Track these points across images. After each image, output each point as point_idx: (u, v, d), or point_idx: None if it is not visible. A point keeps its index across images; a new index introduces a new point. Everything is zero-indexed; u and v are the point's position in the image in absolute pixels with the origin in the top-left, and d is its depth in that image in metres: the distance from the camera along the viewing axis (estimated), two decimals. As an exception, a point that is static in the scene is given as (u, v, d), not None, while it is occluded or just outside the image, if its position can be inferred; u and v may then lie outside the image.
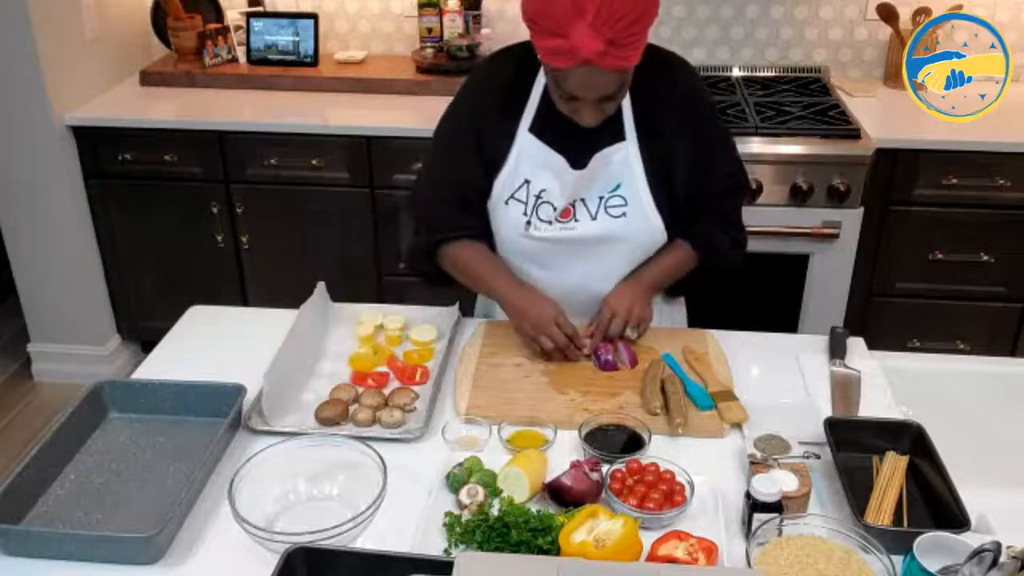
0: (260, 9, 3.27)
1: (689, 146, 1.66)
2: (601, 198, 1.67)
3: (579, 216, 1.67)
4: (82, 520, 1.31)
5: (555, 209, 1.66)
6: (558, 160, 1.64)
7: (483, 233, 1.75)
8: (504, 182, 1.68)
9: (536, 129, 1.65)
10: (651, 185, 1.66)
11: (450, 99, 1.74)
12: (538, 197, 1.67)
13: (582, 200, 1.67)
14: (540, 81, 1.63)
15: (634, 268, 1.75)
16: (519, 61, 1.65)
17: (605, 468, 1.34)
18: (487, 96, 1.68)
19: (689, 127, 1.65)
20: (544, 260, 1.73)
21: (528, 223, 1.68)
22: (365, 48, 3.33)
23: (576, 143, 1.63)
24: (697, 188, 1.69)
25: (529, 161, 1.66)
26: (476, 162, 1.68)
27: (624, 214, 1.67)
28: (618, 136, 1.63)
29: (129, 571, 1.22)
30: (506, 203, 1.68)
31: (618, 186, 1.66)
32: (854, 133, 2.69)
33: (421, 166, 1.83)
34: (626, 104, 1.62)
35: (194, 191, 2.95)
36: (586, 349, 1.66)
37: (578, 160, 1.64)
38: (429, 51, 3.13)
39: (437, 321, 1.78)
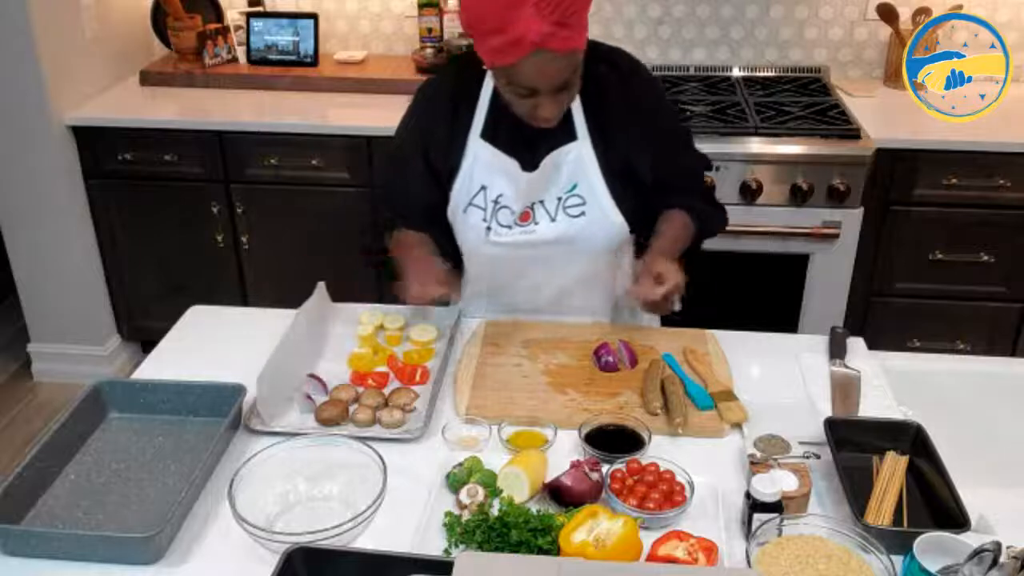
0: (260, 9, 3.27)
1: (642, 138, 1.66)
2: (559, 199, 1.67)
3: (539, 219, 1.68)
4: (82, 520, 1.31)
5: (513, 213, 1.67)
6: (511, 164, 1.65)
7: (428, 228, 1.76)
8: (460, 190, 1.69)
9: (488, 135, 1.65)
10: (608, 182, 1.66)
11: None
12: (495, 202, 1.67)
13: (540, 202, 1.67)
14: (487, 87, 1.64)
15: (601, 273, 1.76)
16: (464, 69, 1.66)
17: (605, 468, 1.34)
18: (436, 106, 1.69)
19: (639, 120, 1.66)
20: (506, 266, 1.73)
21: (488, 228, 1.68)
22: (365, 48, 3.34)
23: (528, 146, 1.64)
24: (663, 180, 1.70)
25: (483, 167, 1.67)
26: (423, 171, 1.71)
27: (583, 213, 1.67)
28: (570, 136, 1.64)
29: (129, 571, 1.22)
30: (464, 211, 1.70)
31: (575, 186, 1.66)
32: (854, 133, 2.69)
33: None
34: (576, 103, 1.62)
35: (194, 191, 2.95)
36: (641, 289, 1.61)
37: (530, 162, 1.64)
38: (429, 51, 3.13)
39: (437, 321, 1.78)
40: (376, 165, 2.84)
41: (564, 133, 1.63)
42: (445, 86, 1.70)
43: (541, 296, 1.74)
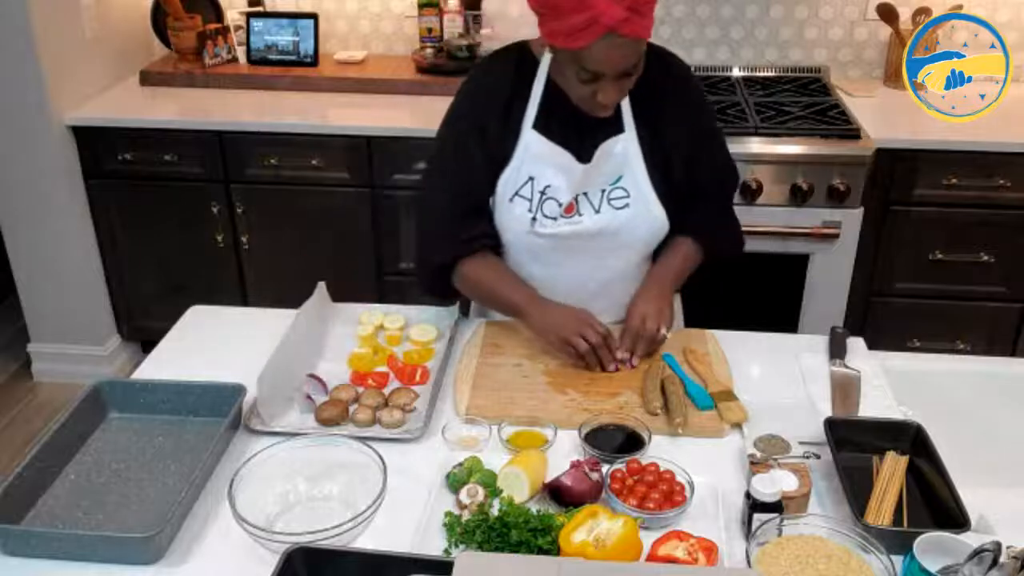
0: (260, 9, 3.27)
1: (685, 135, 1.68)
2: (603, 191, 1.67)
3: (583, 210, 1.68)
4: (82, 520, 1.31)
5: (560, 205, 1.67)
6: (564, 156, 1.65)
7: (497, 239, 1.73)
8: (508, 180, 1.68)
9: (540, 126, 1.65)
10: (652, 176, 1.67)
11: (450, 99, 1.73)
12: (543, 193, 1.67)
13: (585, 194, 1.67)
14: (540, 78, 1.64)
15: (641, 267, 1.77)
16: (515, 61, 1.66)
17: (605, 468, 1.34)
18: (488, 98, 1.68)
19: (684, 116, 1.68)
20: (548, 257, 1.72)
21: (533, 219, 1.68)
22: (365, 48, 3.34)
23: (578, 137, 1.65)
24: (694, 178, 1.72)
25: (534, 158, 1.66)
26: (485, 165, 1.67)
27: (627, 205, 1.68)
28: (617, 128, 1.65)
29: (129, 571, 1.22)
30: (511, 200, 1.68)
31: (620, 178, 1.67)
32: (854, 133, 2.69)
33: (425, 175, 1.78)
34: (625, 98, 1.63)
35: (194, 191, 2.95)
36: (620, 352, 1.65)
37: (583, 154, 1.65)
38: (429, 51, 3.13)
39: (437, 321, 1.78)
40: (376, 165, 2.84)
41: (612, 125, 1.64)
42: (496, 79, 1.68)
43: (583, 290, 1.73)
